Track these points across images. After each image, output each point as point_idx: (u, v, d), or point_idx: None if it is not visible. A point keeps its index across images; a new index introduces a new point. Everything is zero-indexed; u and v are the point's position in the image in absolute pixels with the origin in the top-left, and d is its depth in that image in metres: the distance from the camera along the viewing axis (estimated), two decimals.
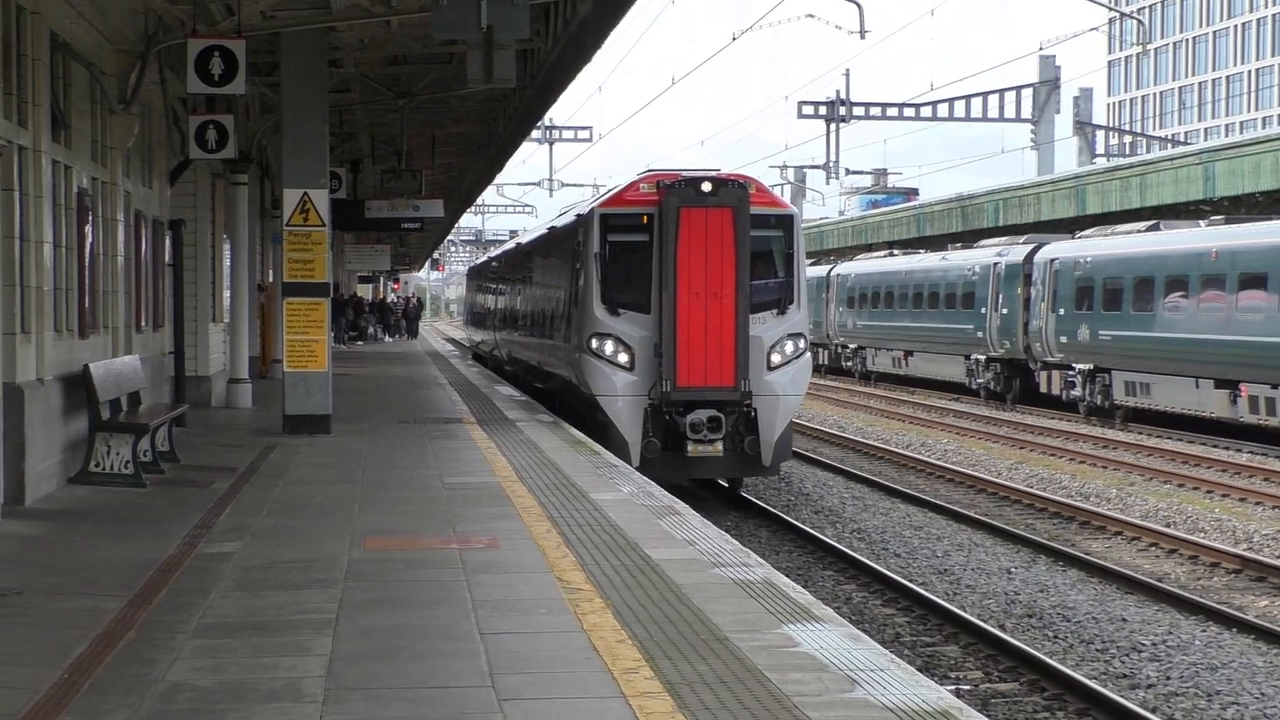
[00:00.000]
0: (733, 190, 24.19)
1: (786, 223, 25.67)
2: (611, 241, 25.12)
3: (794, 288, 25.36)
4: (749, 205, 24.10)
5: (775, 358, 24.58)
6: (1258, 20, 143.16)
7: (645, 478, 19.81)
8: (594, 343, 24.60)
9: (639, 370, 24.34)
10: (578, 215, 28.86)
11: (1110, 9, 73.54)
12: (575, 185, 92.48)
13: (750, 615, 11.28)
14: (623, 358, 24.41)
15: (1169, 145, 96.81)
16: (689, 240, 23.64)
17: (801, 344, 25.23)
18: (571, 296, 27.40)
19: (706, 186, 24.08)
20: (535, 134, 67.17)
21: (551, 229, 36.74)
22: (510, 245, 56.97)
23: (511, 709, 8.64)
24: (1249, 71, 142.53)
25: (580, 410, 26.34)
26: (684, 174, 25.09)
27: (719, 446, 23.75)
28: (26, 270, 17.13)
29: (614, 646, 10.15)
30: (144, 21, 23.28)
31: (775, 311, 24.90)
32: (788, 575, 13.99)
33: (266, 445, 23.61)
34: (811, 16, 76.36)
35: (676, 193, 23.86)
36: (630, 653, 9.98)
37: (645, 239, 24.56)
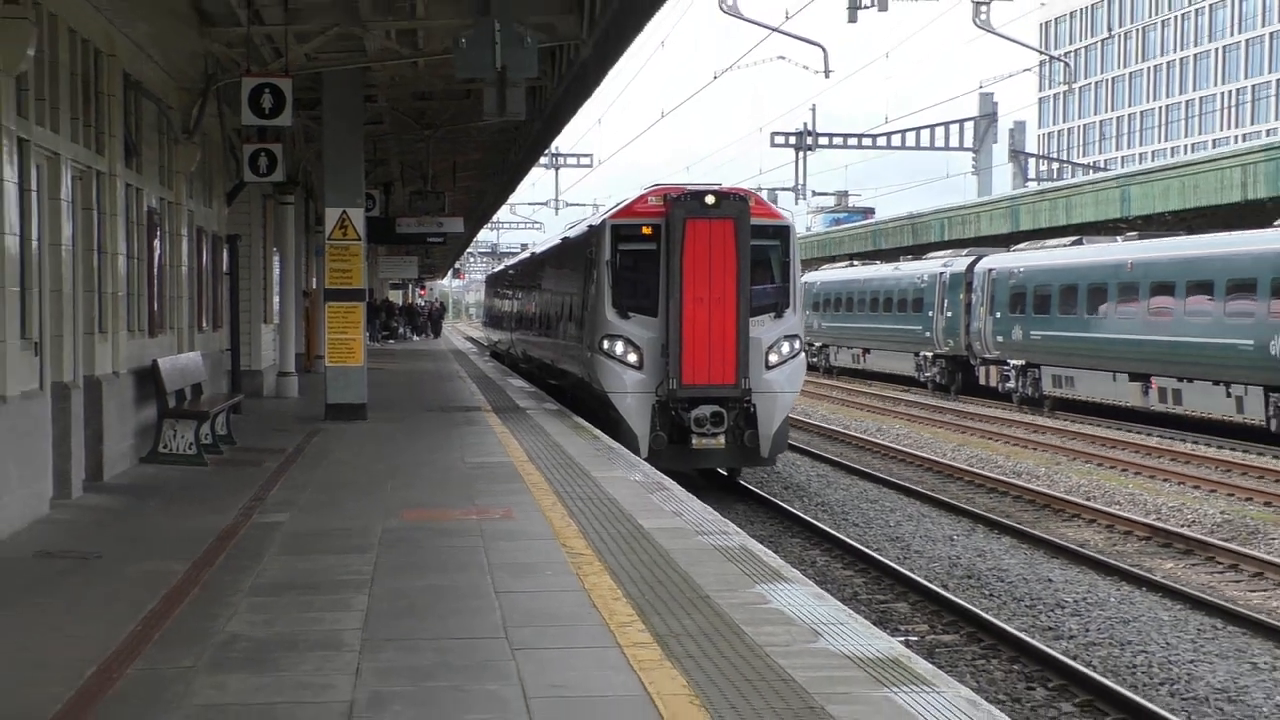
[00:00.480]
0: (734, 203, 23.32)
1: (783, 233, 24.66)
2: (622, 250, 24.14)
3: (790, 293, 24.45)
4: (749, 216, 23.27)
5: (773, 357, 23.65)
6: (1167, 63, 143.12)
7: (637, 458, 20.06)
8: (605, 343, 23.66)
9: (647, 369, 23.40)
10: (590, 226, 27.88)
11: (1040, 53, 73.40)
12: (578, 205, 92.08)
13: (728, 576, 11.35)
14: (632, 357, 23.44)
15: (1091, 171, 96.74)
16: (694, 249, 22.83)
17: (796, 344, 24.32)
18: (584, 300, 26.12)
19: (710, 199, 23.21)
20: (543, 160, 67.00)
21: (564, 239, 35.38)
22: (524, 255, 55.74)
23: (523, 658, 8.72)
24: (1160, 107, 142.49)
25: (592, 405, 25.46)
26: (688, 188, 24.19)
27: (721, 439, 22.96)
28: (104, 278, 17.18)
29: (610, 604, 10.21)
30: (204, 63, 23.28)
31: (773, 315, 23.94)
32: (761, 543, 14.00)
33: (311, 430, 23.63)
34: (783, 58, 76.31)
35: (682, 205, 23.10)
36: (625, 609, 10.04)
37: (653, 248, 23.60)
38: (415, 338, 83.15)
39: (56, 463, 15.08)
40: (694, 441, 22.84)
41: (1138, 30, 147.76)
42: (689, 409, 22.87)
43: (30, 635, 9.52)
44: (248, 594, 10.71)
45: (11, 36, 13.03)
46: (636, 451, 21.68)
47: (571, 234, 33.85)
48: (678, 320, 22.90)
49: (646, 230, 23.65)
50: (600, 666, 8.54)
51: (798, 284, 24.64)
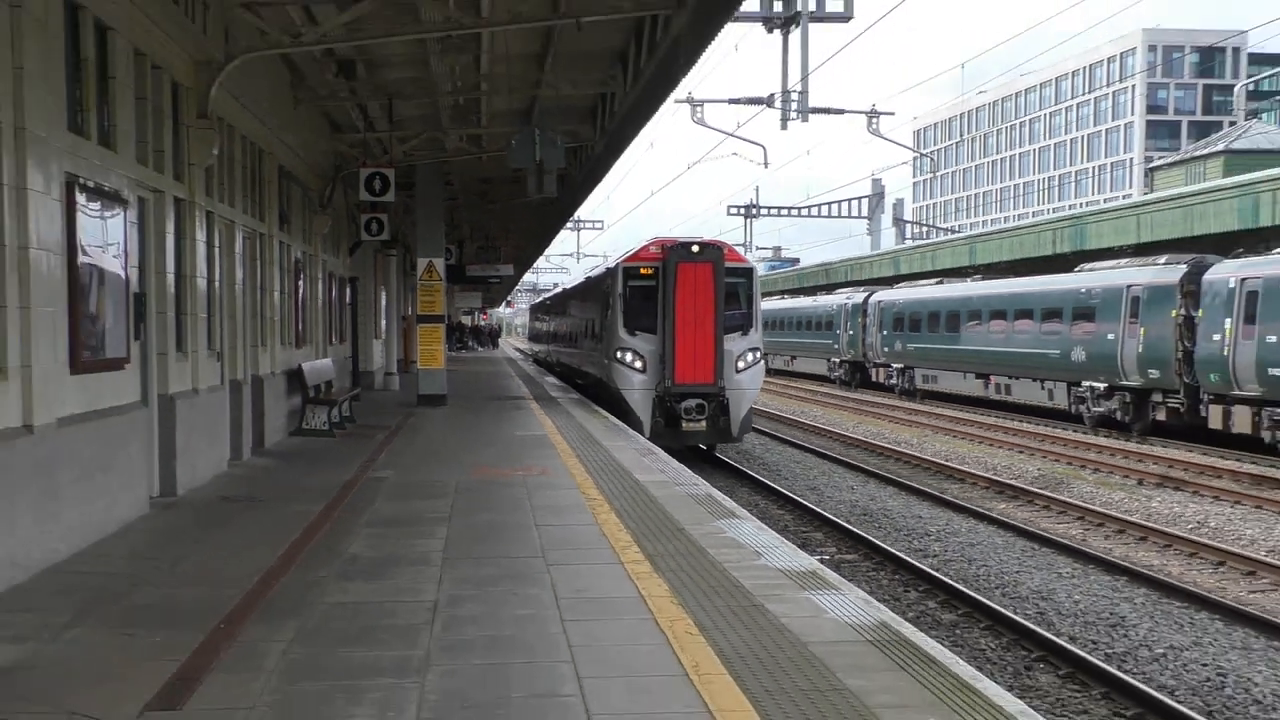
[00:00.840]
0: (712, 250, 23.03)
1: (748, 274, 24.30)
2: (630, 285, 23.68)
3: (752, 317, 23.95)
4: (724, 261, 22.99)
5: (740, 364, 23.24)
6: (1001, 159, 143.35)
7: (636, 434, 19.92)
8: (619, 353, 23.38)
9: (649, 372, 23.07)
10: (607, 268, 27.12)
11: (914, 151, 73.69)
12: (592, 255, 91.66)
13: (697, 515, 11.37)
14: (638, 364, 23.13)
15: (949, 233, 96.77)
16: (683, 284, 22.61)
17: (758, 354, 23.92)
18: (603, 322, 25.64)
19: (695, 248, 23.01)
20: (569, 225, 66.86)
21: (586, 278, 35.26)
22: (556, 291, 55.75)
23: (555, 570, 8.77)
24: (996, 189, 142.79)
25: (608, 398, 24.90)
26: (679, 240, 23.78)
27: (703, 424, 22.77)
28: (265, 308, 17.24)
29: (616, 533, 10.24)
30: (334, 157, 23.39)
31: (741, 332, 23.48)
32: (721, 491, 14.03)
33: (407, 413, 23.62)
34: (735, 154, 76.63)
35: (675, 252, 22.88)
36: (625, 537, 10.08)
37: (653, 284, 23.19)
38: (480, 349, 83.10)
39: (232, 435, 15.14)
40: (683, 425, 22.67)
41: (980, 136, 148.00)
42: (680, 401, 22.68)
43: (216, 554, 9.56)
44: (364, 526, 10.76)
45: (202, 142, 13.08)
46: (641, 432, 21.44)
47: (593, 274, 33.35)
48: (671, 336, 22.69)
49: (648, 271, 23.36)
50: (608, 576, 8.59)
51: (758, 310, 24.32)
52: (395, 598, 7.97)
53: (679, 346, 22.72)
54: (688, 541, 9.92)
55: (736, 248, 24.68)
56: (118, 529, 10.30)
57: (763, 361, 24.56)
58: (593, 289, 30.19)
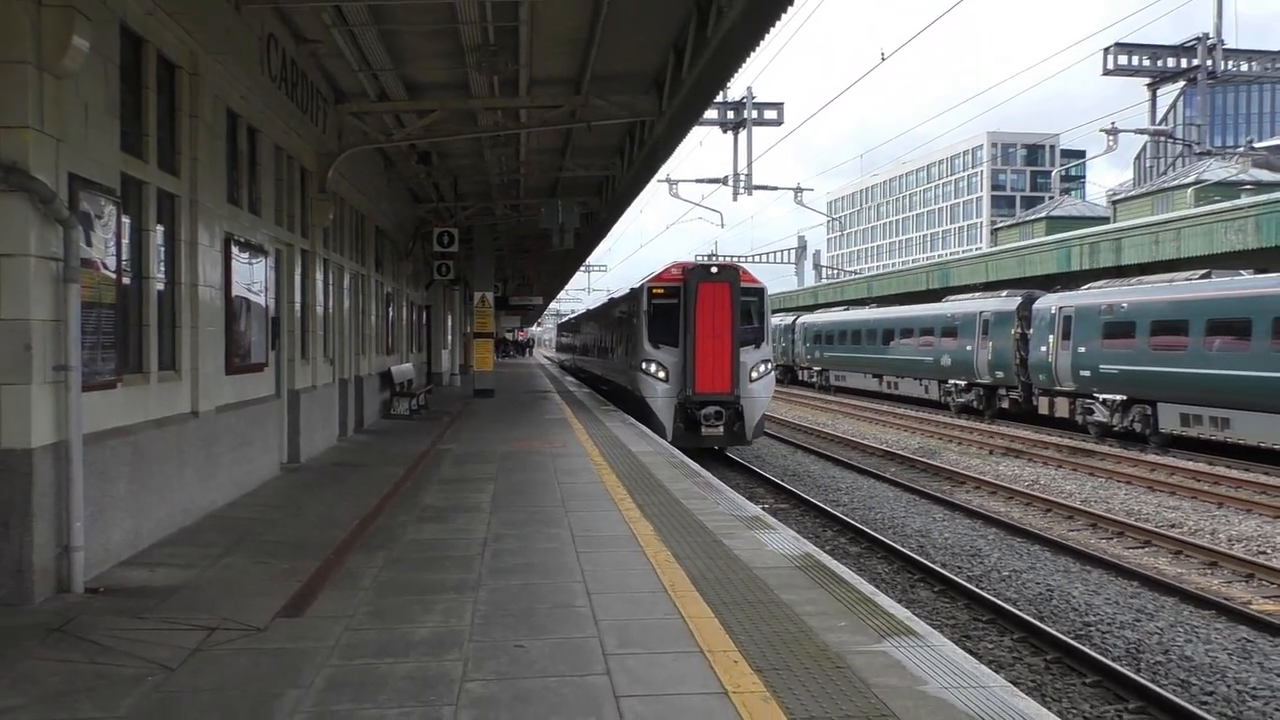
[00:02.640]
0: (729, 271, 19.43)
1: (760, 293, 20.20)
2: (654, 303, 19.81)
3: (764, 332, 19.95)
4: (740, 281, 19.30)
5: (754, 374, 19.42)
6: (891, 222, 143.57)
7: (628, 416, 19.74)
8: (644, 365, 19.60)
9: (671, 381, 19.30)
10: (632, 289, 22.80)
11: (828, 216, 73.86)
12: (599, 290, 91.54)
13: (674, 476, 11.29)
14: (661, 374, 19.37)
15: (854, 274, 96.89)
16: (703, 303, 18.96)
17: (769, 365, 19.94)
18: (629, 336, 21.89)
19: (714, 270, 19.43)
20: (581, 268, 66.76)
21: (611, 299, 30.37)
22: (580, 312, 52.43)
23: (571, 516, 8.67)
24: (888, 243, 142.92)
25: (631, 404, 21.33)
26: (698, 262, 20.35)
27: (721, 429, 19.14)
28: (364, 327, 17.14)
29: (616, 489, 10.16)
30: (415, 221, 23.28)
31: (754, 346, 19.61)
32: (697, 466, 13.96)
33: (466, 402, 23.49)
34: (700, 218, 76.92)
35: (695, 274, 19.20)
36: (623, 491, 10.00)
37: (675, 302, 19.43)
38: (519, 357, 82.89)
39: (341, 418, 15.03)
40: (703, 430, 19.12)
41: (875, 205, 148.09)
42: (700, 408, 19.14)
43: (328, 504, 9.46)
44: (435, 484, 10.67)
45: (321, 210, 13.01)
46: (664, 436, 18.27)
47: (616, 295, 29.07)
48: (692, 349, 19.11)
49: (670, 291, 19.69)
50: (609, 520, 8.49)
51: (769, 326, 20.35)
52: (456, 535, 7.88)
53: (699, 358, 19.22)
54: (667, 495, 9.84)
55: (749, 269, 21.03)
56: (258, 486, 10.21)
57: (773, 372, 20.55)
58: (618, 307, 25.84)
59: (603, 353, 29.32)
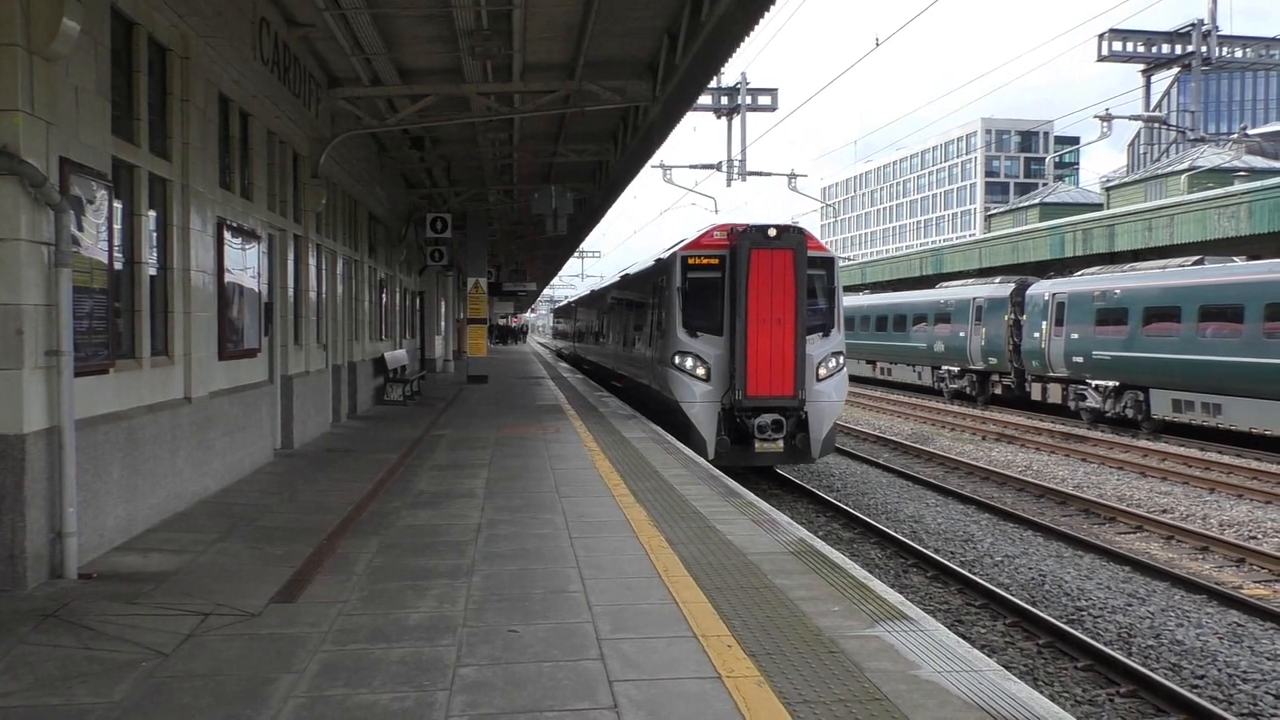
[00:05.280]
0: (794, 235, 14.47)
1: (829, 264, 15.51)
2: (690, 278, 15.14)
3: (834, 315, 15.32)
4: (807, 248, 14.54)
5: (823, 371, 14.88)
6: (885, 208, 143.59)
7: (620, 402, 19.50)
8: (676, 359, 15.05)
9: (714, 381, 14.71)
10: (658, 260, 17.65)
11: (821, 202, 73.79)
12: (593, 276, 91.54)
13: (667, 462, 11.28)
14: (700, 371, 14.83)
15: (848, 261, 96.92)
16: (757, 276, 14.29)
17: (841, 359, 15.17)
18: (654, 321, 16.96)
19: (772, 232, 14.47)
20: (575, 254, 66.63)
21: (624, 276, 24.00)
22: (584, 293, 45.45)
23: (565, 500, 8.66)
24: (881, 229, 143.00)
25: (657, 408, 16.60)
26: (750, 225, 14.85)
27: (780, 444, 14.49)
28: (358, 312, 17.10)
29: (609, 475, 10.16)
30: (408, 206, 23.20)
31: (821, 334, 15.03)
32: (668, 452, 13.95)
33: (460, 388, 23.45)
34: (694, 204, 76.61)
35: (748, 236, 14.40)
36: (616, 477, 9.99)
37: (718, 275, 14.92)
38: (512, 344, 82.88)
39: (334, 404, 15.01)
40: (756, 446, 14.53)
41: (869, 192, 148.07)
42: (752, 416, 14.51)
43: (321, 490, 9.44)
44: (428, 469, 10.65)
45: (314, 194, 12.96)
46: (704, 453, 14.29)
47: (631, 271, 23.08)
48: (744, 339, 14.38)
49: (712, 261, 15.06)
50: (603, 506, 8.48)
51: (840, 308, 15.55)
52: (450, 521, 7.87)
53: (752, 351, 14.43)
54: (661, 481, 9.83)
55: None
56: (251, 471, 10.19)
57: (846, 368, 15.51)
58: (640, 284, 19.84)
59: (617, 342, 23.65)
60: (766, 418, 14.44)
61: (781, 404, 14.46)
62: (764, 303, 14.37)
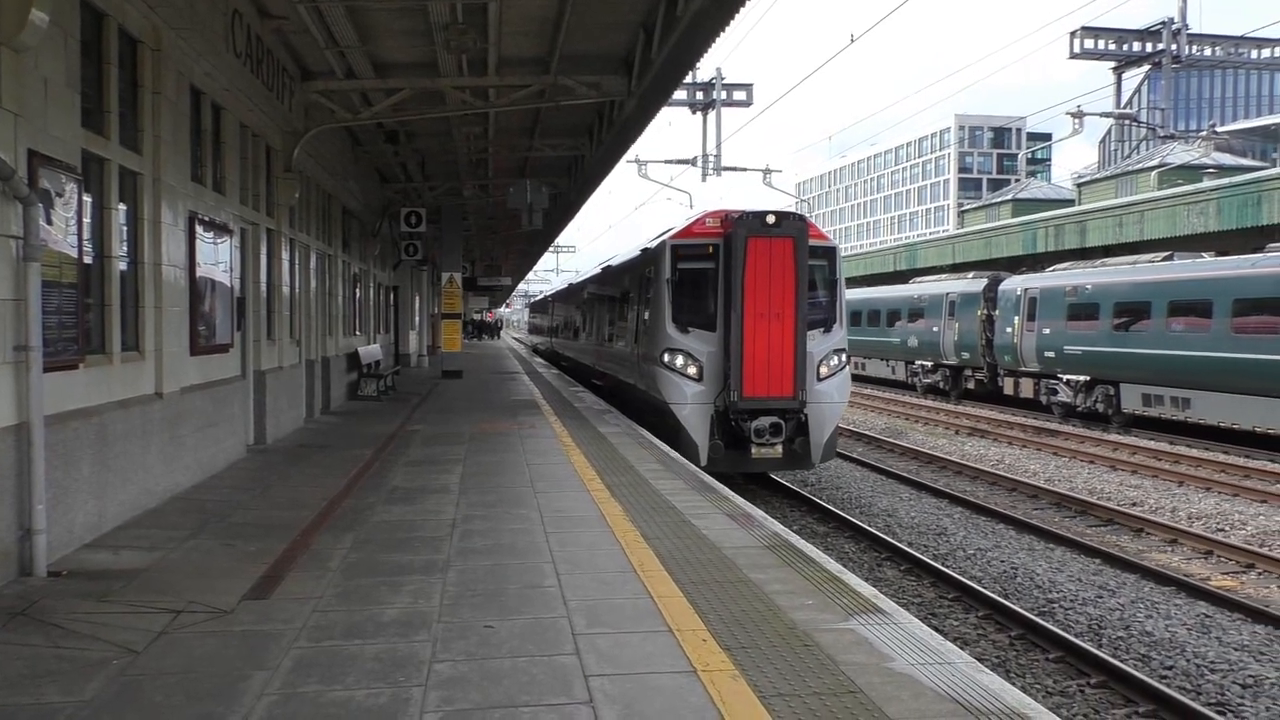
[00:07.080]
0: (794, 222, 13.08)
1: (830, 254, 14.29)
2: (681, 268, 13.94)
3: (836, 309, 14.16)
4: (808, 236, 13.20)
5: (824, 370, 13.67)
6: (858, 204, 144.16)
7: (596, 397, 19.42)
8: (666, 357, 13.80)
9: (706, 380, 13.54)
10: (645, 250, 16.21)
11: (796, 198, 74.03)
12: (568, 271, 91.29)
13: (642, 456, 11.27)
14: (691, 369, 13.59)
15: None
16: (755, 266, 12.97)
17: (844, 357, 13.96)
18: (641, 316, 15.72)
19: (771, 219, 13.11)
20: (550, 249, 66.48)
21: (605, 268, 22.49)
22: (550, 291, 43.74)
23: (540, 496, 8.65)
24: (856, 225, 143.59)
25: (641, 409, 15.52)
26: (745, 211, 13.44)
27: (779, 449, 13.31)
28: (332, 307, 16.99)
29: (584, 470, 10.14)
30: (383, 200, 23.06)
31: (823, 330, 13.90)
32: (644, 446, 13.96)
33: (434, 384, 23.37)
34: (669, 199, 76.51)
35: (745, 224, 13.06)
36: (591, 472, 9.98)
37: (711, 266, 13.69)
38: (487, 339, 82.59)
39: (308, 399, 14.91)
40: (753, 451, 13.33)
41: (843, 188, 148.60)
42: (749, 419, 13.31)
43: (295, 486, 9.38)
44: (402, 465, 10.61)
45: (287, 188, 12.87)
46: (695, 459, 13.11)
47: (613, 263, 21.65)
48: (739, 335, 13.13)
49: (705, 250, 13.84)
50: (579, 501, 8.47)
51: (843, 301, 14.36)
52: (424, 517, 7.84)
53: (748, 348, 13.16)
54: (636, 476, 9.83)
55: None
56: (224, 467, 10.12)
57: (848, 367, 14.29)
58: (625, 276, 18.31)
59: (598, 338, 22.05)
60: (764, 420, 13.31)
61: (780, 405, 13.32)
62: (761, 296, 13.13)
